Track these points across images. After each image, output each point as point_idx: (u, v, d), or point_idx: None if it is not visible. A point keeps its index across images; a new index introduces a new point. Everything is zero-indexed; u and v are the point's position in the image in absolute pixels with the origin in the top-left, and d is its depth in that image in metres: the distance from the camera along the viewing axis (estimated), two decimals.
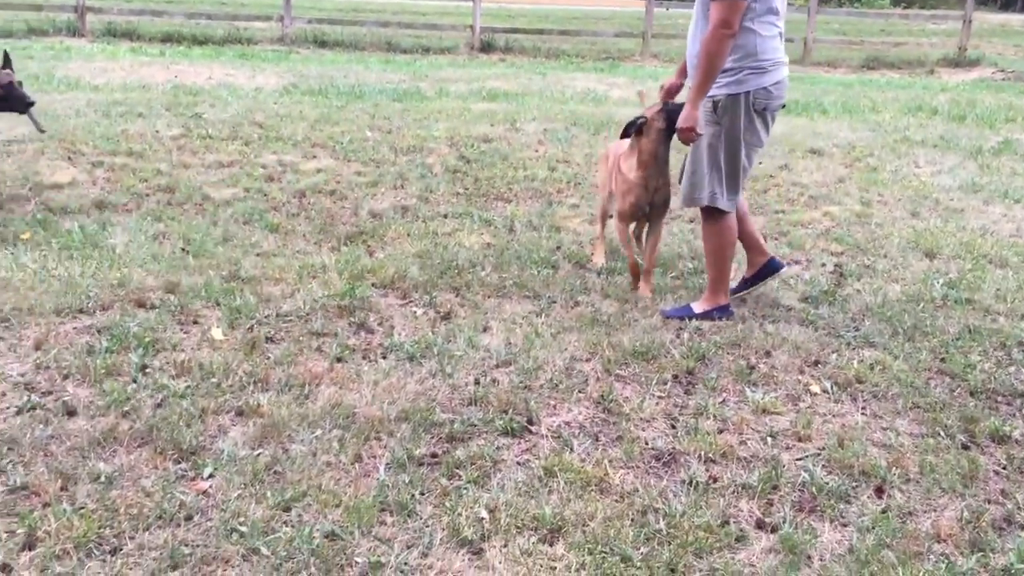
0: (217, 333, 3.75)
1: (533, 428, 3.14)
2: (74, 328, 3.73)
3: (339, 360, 3.59)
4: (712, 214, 4.11)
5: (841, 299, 4.53)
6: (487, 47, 16.27)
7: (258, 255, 4.78)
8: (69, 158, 6.45)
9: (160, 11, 16.77)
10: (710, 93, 3.87)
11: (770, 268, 4.43)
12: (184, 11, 17.30)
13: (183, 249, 4.77)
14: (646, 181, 4.34)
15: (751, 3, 3.76)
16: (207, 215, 5.42)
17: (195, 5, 20.97)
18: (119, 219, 5.23)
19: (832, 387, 3.55)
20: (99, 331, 3.70)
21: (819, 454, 3.05)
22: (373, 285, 4.42)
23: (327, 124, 8.23)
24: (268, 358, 3.56)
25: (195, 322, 3.88)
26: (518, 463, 2.92)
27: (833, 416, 3.34)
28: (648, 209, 4.45)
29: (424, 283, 4.45)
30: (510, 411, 3.22)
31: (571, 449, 3.01)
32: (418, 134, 7.97)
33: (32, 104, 5.24)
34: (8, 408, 3.08)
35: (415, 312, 4.14)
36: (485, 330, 3.97)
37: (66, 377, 3.32)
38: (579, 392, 3.42)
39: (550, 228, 5.53)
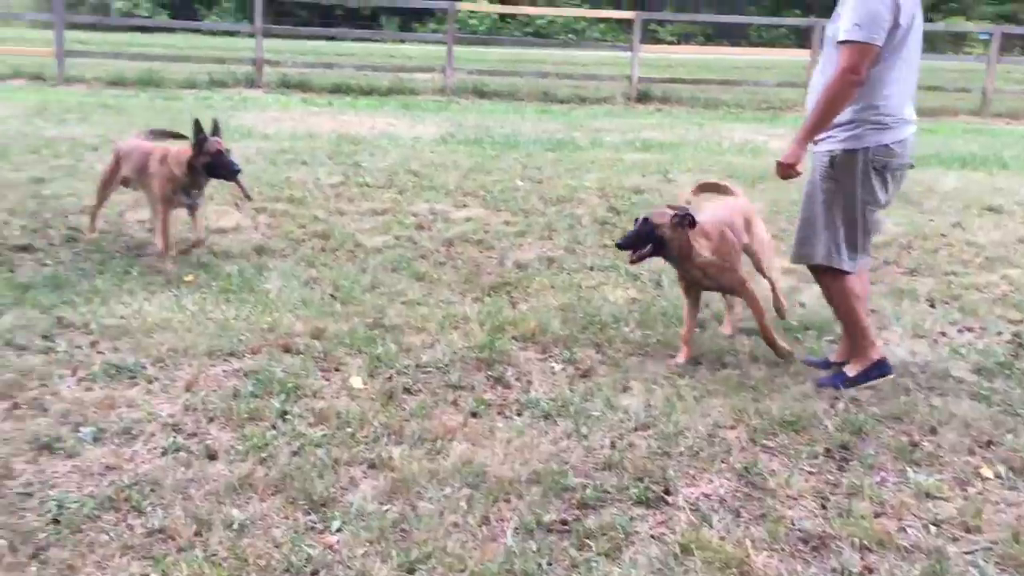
0: (356, 382, 3.78)
1: (670, 499, 2.98)
2: (223, 371, 3.85)
3: (474, 415, 3.54)
4: (831, 274, 3.89)
5: (1019, 372, 4.15)
6: (644, 97, 16.19)
7: (403, 303, 4.82)
8: (236, 204, 6.76)
9: (331, 63, 17.58)
10: (828, 148, 3.72)
11: (885, 367, 4.00)
12: (353, 63, 18.09)
13: (332, 295, 4.87)
14: None
15: (892, 47, 3.55)
16: (357, 262, 5.53)
17: (364, 58, 21.91)
18: (275, 264, 5.41)
19: (1007, 472, 3.22)
20: (246, 375, 3.80)
21: (991, 548, 2.75)
22: (514, 338, 4.36)
23: (480, 173, 8.33)
24: (404, 409, 3.55)
25: (337, 369, 3.92)
26: (652, 537, 2.77)
27: (1007, 505, 3.02)
28: None
29: (565, 338, 4.37)
30: (646, 479, 3.07)
31: (710, 525, 2.83)
32: (568, 184, 7.95)
33: (239, 172, 5.35)
34: (155, 448, 3.18)
35: (554, 368, 4.06)
36: (625, 390, 3.84)
37: (211, 420, 3.40)
38: (721, 462, 3.23)
39: None
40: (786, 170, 3.75)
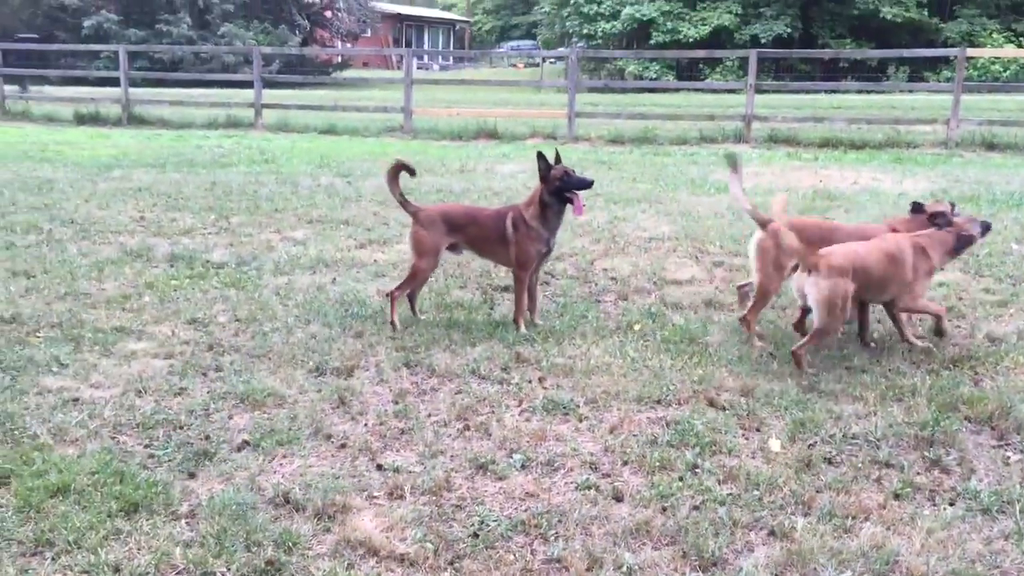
0: (775, 444, 3.67)
1: None
2: (647, 417, 3.98)
3: (896, 497, 3.24)
4: None
5: None
6: None
7: (846, 368, 4.57)
8: (696, 256, 6.95)
9: (822, 116, 17.23)
10: None
11: None
12: (849, 116, 17.55)
13: (771, 354, 4.78)
14: None
15: None
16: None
17: (863, 110, 21.12)
18: (721, 317, 5.46)
19: None
20: (667, 424, 3.89)
21: None
22: (967, 419, 3.91)
23: None
24: (819, 480, 3.37)
25: (758, 429, 3.85)
26: None
27: None
28: None
29: None
30: None
31: None
32: None
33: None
34: (571, 482, 3.40)
35: (1008, 457, 3.56)
36: None
37: (625, 463, 3.55)
38: None
39: None
40: None
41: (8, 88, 21.64)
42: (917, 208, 5.12)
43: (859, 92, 25.46)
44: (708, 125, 16.49)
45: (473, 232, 5.39)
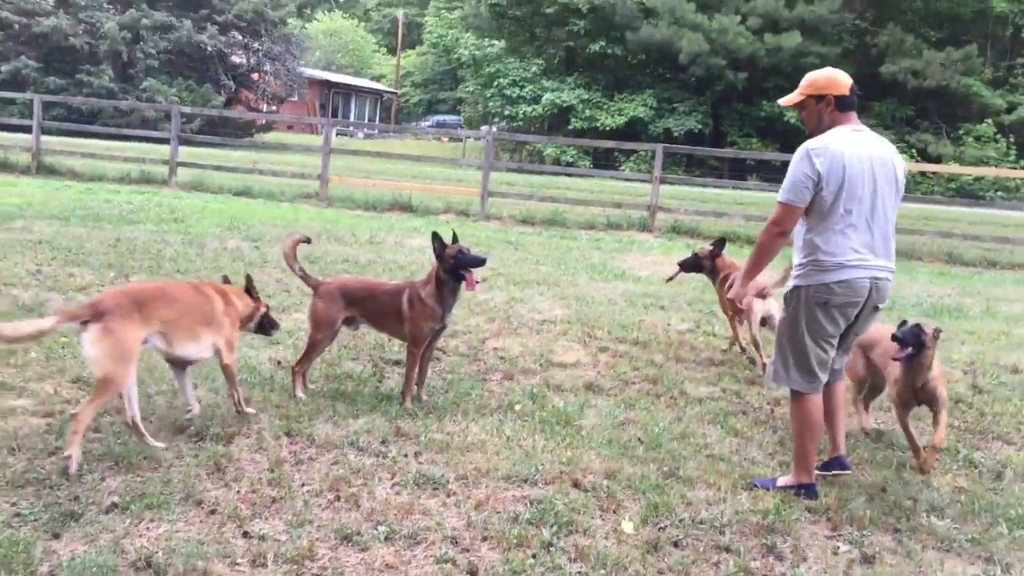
0: (628, 527, 3.90)
1: None
2: (513, 495, 4.17)
3: None
4: (793, 394, 4.52)
5: None
6: None
7: (707, 456, 4.85)
8: (584, 341, 7.25)
9: (722, 212, 18.01)
10: (790, 283, 4.45)
11: (836, 464, 4.64)
12: (744, 212, 18.38)
13: (639, 439, 5.04)
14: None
15: (823, 205, 4.23)
16: (676, 409, 5.66)
17: (763, 208, 22.09)
18: (599, 402, 5.72)
19: None
20: (531, 502, 4.09)
21: None
22: (808, 509, 4.21)
23: None
24: (663, 561, 3.60)
25: (615, 511, 4.07)
26: None
27: None
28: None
29: (862, 518, 4.11)
30: None
31: None
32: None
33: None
34: (431, 556, 3.56)
35: (837, 548, 3.85)
36: None
37: (485, 539, 3.72)
38: None
39: None
40: (732, 304, 5.51)
41: None
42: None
43: (760, 191, 26.57)
44: (615, 212, 17.09)
45: (370, 307, 5.59)
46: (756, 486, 4.45)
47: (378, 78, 74.75)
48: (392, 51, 76.01)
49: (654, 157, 17.30)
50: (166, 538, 3.53)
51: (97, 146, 23.14)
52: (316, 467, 4.35)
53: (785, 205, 4.29)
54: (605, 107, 43.28)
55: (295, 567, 3.39)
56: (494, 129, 44.39)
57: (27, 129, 20.44)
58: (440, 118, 63.33)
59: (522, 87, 44.90)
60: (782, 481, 4.48)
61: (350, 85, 64.86)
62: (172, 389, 5.25)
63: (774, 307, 6.33)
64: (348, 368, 6.08)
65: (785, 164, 4.55)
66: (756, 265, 4.58)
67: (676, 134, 40.47)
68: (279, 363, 6.02)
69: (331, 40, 73.64)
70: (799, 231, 4.40)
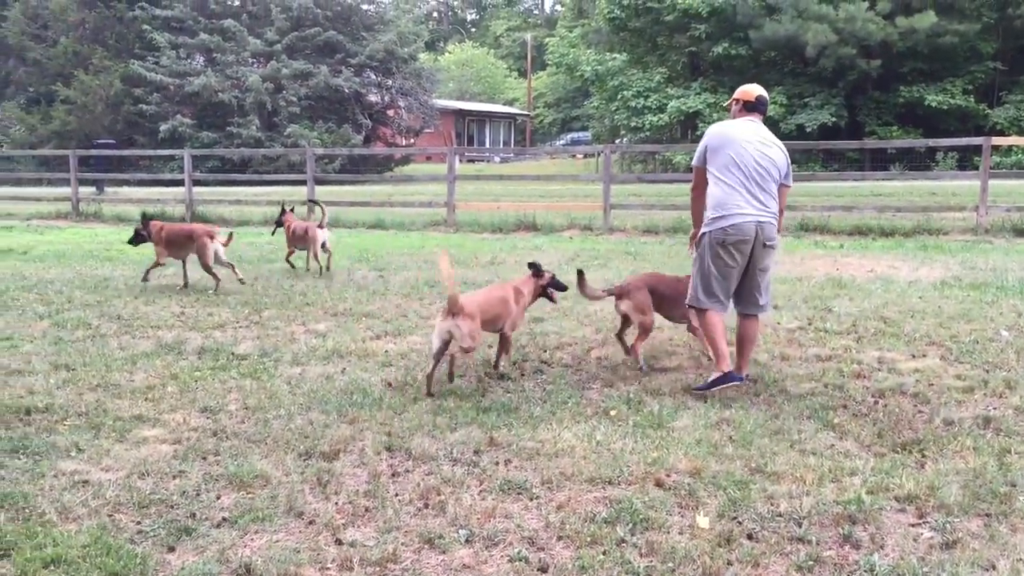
0: (703, 521, 3.96)
1: None
2: (594, 496, 4.30)
3: (798, 569, 3.51)
4: (696, 311, 6.20)
5: None
6: None
7: (799, 451, 4.84)
8: (689, 345, 7.27)
9: (851, 206, 17.45)
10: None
11: (728, 377, 5.92)
12: (876, 204, 17.76)
13: (730, 437, 5.07)
14: None
15: (711, 169, 5.98)
16: (775, 406, 5.64)
17: (904, 197, 21.24)
18: (695, 404, 5.76)
19: None
20: (610, 502, 4.21)
21: None
22: (895, 498, 4.15)
23: (959, 321, 7.77)
24: (733, 554, 3.65)
25: (694, 508, 4.14)
26: None
27: None
28: None
29: (952, 505, 4.03)
30: None
31: None
32: None
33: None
34: (505, 556, 3.74)
35: (919, 534, 3.79)
36: (991, 568, 3.45)
37: (560, 538, 3.87)
38: None
39: None
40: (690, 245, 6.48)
41: (84, 190, 23.11)
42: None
43: (886, 179, 25.37)
44: None
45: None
46: (696, 390, 5.96)
47: (511, 102, 76.07)
48: (523, 74, 77.19)
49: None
50: (266, 547, 3.85)
51: (244, 193, 24.67)
52: (411, 478, 4.61)
53: (695, 168, 6.21)
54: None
55: (379, 569, 3.64)
56: (621, 142, 44.40)
57: (182, 183, 22.05)
58: (574, 135, 63.92)
59: (646, 97, 44.68)
60: (712, 378, 5.93)
61: (483, 112, 66.30)
62: (288, 413, 5.65)
63: None
64: (454, 384, 6.34)
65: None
66: (694, 219, 6.33)
67: (809, 129, 39.25)
68: (390, 384, 6.34)
69: (463, 69, 75.58)
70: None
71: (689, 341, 7.29)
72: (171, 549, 3.86)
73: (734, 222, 5.76)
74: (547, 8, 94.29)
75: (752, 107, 6.16)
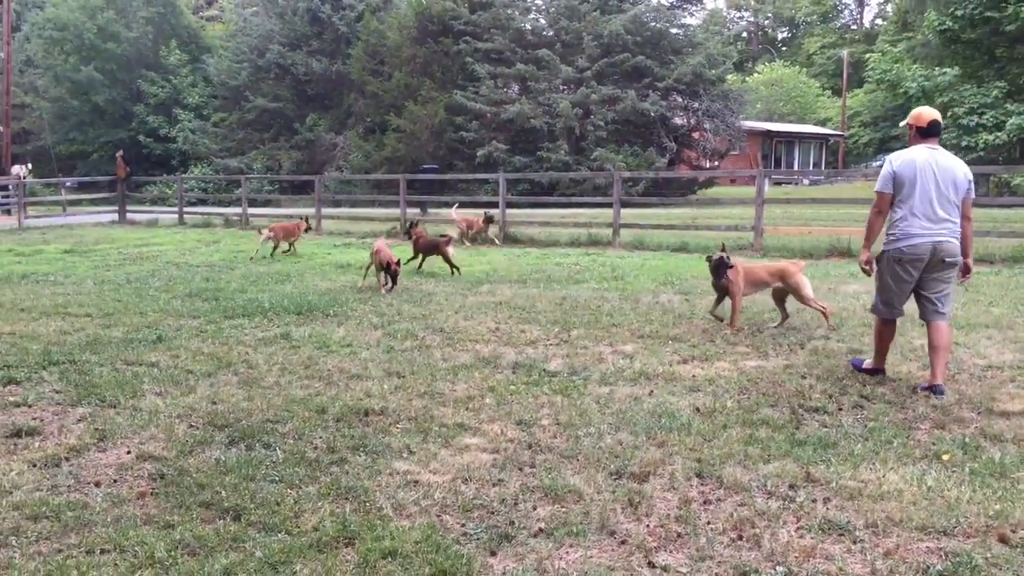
0: None
1: None
2: (927, 546, 3.97)
3: None
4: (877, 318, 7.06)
5: None
6: None
7: None
8: None
9: None
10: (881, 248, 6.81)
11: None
12: None
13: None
14: None
15: (895, 197, 6.66)
16: None
17: None
18: None
19: None
20: (946, 554, 3.86)
21: None
22: None
23: None
24: None
25: None
26: None
27: None
28: None
29: None
30: None
31: None
32: None
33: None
34: None
35: None
36: None
37: None
38: None
39: None
40: (862, 267, 7.07)
41: (411, 212, 25.11)
42: None
43: None
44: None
45: None
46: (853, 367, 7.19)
47: (823, 122, 72.83)
48: (837, 92, 73.70)
49: None
50: (581, 562, 3.93)
51: (552, 215, 25.56)
52: (723, 507, 4.51)
53: (880, 194, 6.80)
54: None
55: None
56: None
57: (496, 204, 23.32)
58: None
59: (981, 114, 40.84)
60: (865, 365, 7.16)
61: (792, 132, 64.05)
62: (598, 431, 5.76)
63: None
64: (765, 414, 6.14)
65: None
66: (868, 238, 6.97)
67: None
68: (698, 409, 6.27)
69: (772, 90, 73.52)
70: None
71: None
72: (493, 553, 4.06)
73: (912, 243, 6.52)
74: (866, 23, 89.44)
75: (926, 132, 6.68)
